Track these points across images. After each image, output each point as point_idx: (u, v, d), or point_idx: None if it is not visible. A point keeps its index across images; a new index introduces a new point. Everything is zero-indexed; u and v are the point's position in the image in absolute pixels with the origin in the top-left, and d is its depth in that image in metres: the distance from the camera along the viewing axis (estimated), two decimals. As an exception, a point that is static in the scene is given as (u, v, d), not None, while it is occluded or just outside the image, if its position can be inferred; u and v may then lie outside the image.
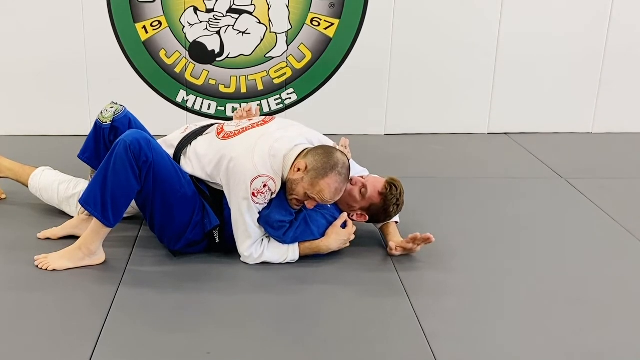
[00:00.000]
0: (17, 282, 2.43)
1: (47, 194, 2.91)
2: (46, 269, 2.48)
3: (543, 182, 3.60)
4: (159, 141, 2.65)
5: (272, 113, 4.18)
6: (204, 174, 2.59)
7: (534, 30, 4.17)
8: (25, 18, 3.92)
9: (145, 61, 4.06)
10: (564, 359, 2.08)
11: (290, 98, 4.21)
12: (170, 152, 2.65)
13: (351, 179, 2.62)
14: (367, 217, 2.71)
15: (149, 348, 2.07)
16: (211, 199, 2.59)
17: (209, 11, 3.99)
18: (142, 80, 4.09)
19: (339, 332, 2.18)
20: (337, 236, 2.62)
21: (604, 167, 3.84)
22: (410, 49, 4.15)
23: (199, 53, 4.07)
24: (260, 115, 2.87)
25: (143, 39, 4.02)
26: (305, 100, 4.21)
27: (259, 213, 2.52)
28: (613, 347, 2.15)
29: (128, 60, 4.05)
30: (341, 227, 2.64)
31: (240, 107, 3.04)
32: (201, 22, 4.01)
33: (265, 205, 2.52)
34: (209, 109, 4.19)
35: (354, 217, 2.70)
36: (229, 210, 2.55)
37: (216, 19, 4.00)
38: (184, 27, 4.01)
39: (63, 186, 2.89)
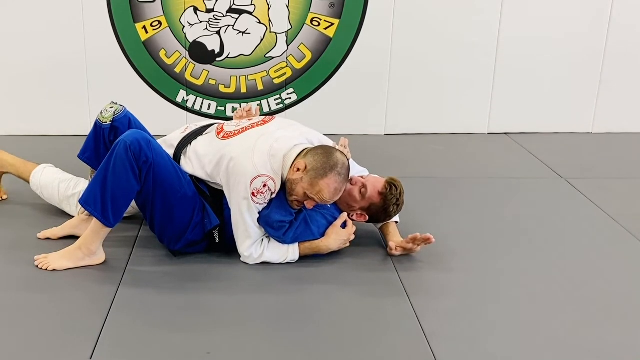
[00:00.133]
0: (17, 282, 2.43)
1: (48, 192, 2.91)
2: (46, 269, 2.48)
3: (543, 182, 3.59)
4: (159, 141, 2.65)
5: (272, 113, 4.18)
6: (204, 174, 2.59)
7: (533, 31, 4.17)
8: (25, 18, 3.92)
9: (145, 61, 4.06)
10: (564, 359, 2.08)
11: (290, 98, 4.21)
12: (170, 152, 2.65)
13: (351, 179, 2.62)
14: (367, 217, 2.71)
15: (149, 348, 2.07)
16: (211, 199, 2.59)
17: (209, 11, 3.99)
18: (142, 80, 4.09)
19: (339, 332, 2.18)
20: (337, 236, 2.62)
21: (604, 167, 3.84)
22: (410, 49, 4.15)
23: (199, 53, 4.07)
24: (260, 115, 2.87)
25: (143, 39, 4.02)
26: (305, 100, 4.21)
27: (259, 213, 2.52)
28: (613, 346, 2.14)
29: (128, 60, 4.05)
30: (341, 227, 2.65)
31: (240, 107, 3.04)
32: (201, 22, 4.01)
33: (265, 205, 2.52)
34: (209, 109, 4.19)
35: (354, 217, 2.70)
36: (229, 210, 2.55)
37: (216, 19, 4.00)
38: (184, 27, 4.01)
39: (63, 185, 2.89)
